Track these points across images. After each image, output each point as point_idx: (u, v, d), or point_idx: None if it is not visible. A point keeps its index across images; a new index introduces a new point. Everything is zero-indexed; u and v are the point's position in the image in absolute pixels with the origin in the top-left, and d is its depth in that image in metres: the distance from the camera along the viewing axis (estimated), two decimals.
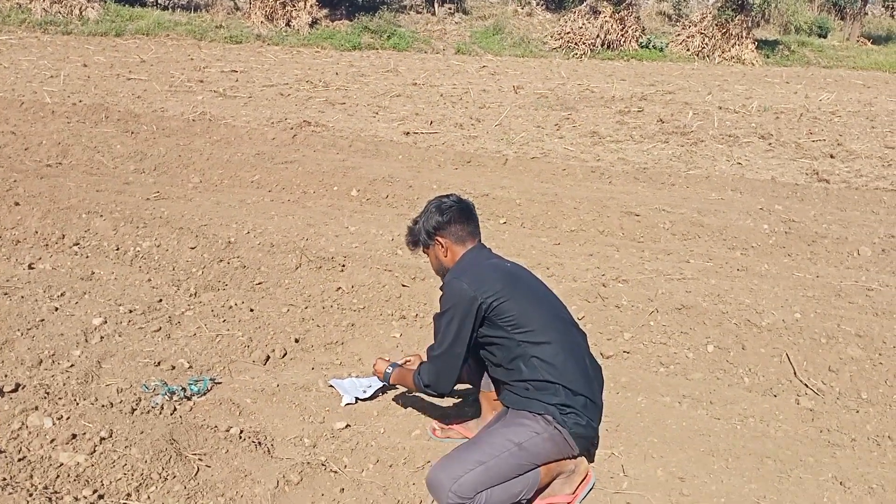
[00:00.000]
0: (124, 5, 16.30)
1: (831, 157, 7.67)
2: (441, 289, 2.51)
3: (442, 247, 2.55)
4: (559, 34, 17.53)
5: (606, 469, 2.55)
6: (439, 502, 2.24)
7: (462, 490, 2.19)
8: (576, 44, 17.19)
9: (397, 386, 2.89)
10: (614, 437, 2.74)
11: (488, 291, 2.37)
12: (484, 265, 2.50)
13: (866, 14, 22.24)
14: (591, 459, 2.51)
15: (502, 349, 2.40)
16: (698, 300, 3.82)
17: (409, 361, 2.79)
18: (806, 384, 3.18)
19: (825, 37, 21.24)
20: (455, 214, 2.54)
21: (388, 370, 2.73)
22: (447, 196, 2.63)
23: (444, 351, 2.42)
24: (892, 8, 24.31)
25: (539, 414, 2.31)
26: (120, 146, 6.47)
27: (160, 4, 17.44)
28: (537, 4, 19.58)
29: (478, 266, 2.48)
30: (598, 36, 17.17)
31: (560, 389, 2.32)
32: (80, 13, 15.42)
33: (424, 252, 2.64)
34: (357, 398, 2.92)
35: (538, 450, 2.30)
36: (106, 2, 16.03)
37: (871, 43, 20.80)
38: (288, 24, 16.55)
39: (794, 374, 3.24)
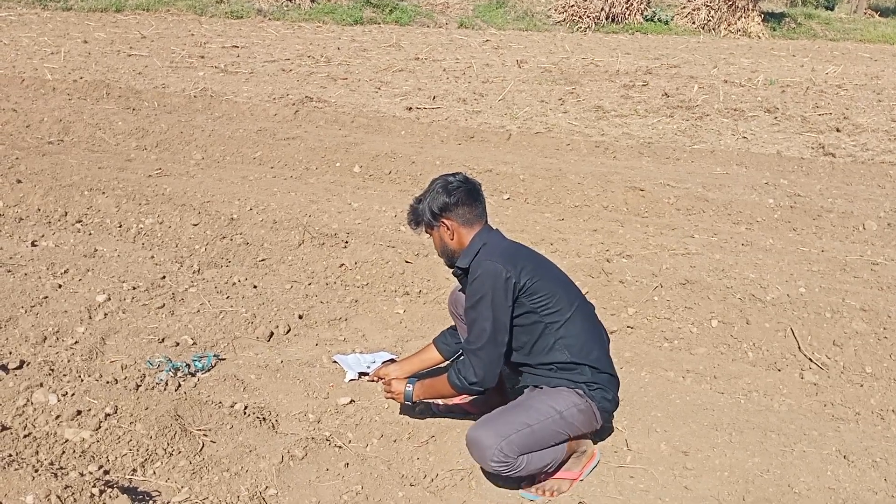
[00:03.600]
0: None
1: (837, 130, 7.61)
2: (459, 275, 2.44)
3: (448, 229, 2.42)
4: (563, 7, 17.35)
5: (610, 443, 2.55)
6: (482, 460, 2.22)
7: (509, 449, 2.19)
8: (580, 17, 17.01)
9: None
10: (618, 411, 2.74)
11: (522, 271, 2.32)
12: (507, 245, 2.43)
13: None
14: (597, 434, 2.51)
15: (527, 331, 2.35)
16: (703, 275, 3.81)
17: (410, 361, 2.66)
18: (810, 358, 3.17)
19: (832, 9, 20.99)
20: (462, 196, 2.41)
21: (408, 389, 2.47)
22: (453, 175, 2.48)
23: (488, 341, 2.31)
24: None
25: (571, 388, 2.32)
26: (121, 123, 6.44)
27: None
28: None
29: (502, 246, 2.40)
30: (602, 9, 16.99)
31: (586, 369, 2.33)
32: None
33: (427, 233, 2.50)
34: (361, 373, 2.92)
35: (574, 420, 2.30)
36: None
37: (879, 15, 20.56)
38: None
39: (799, 348, 3.23)
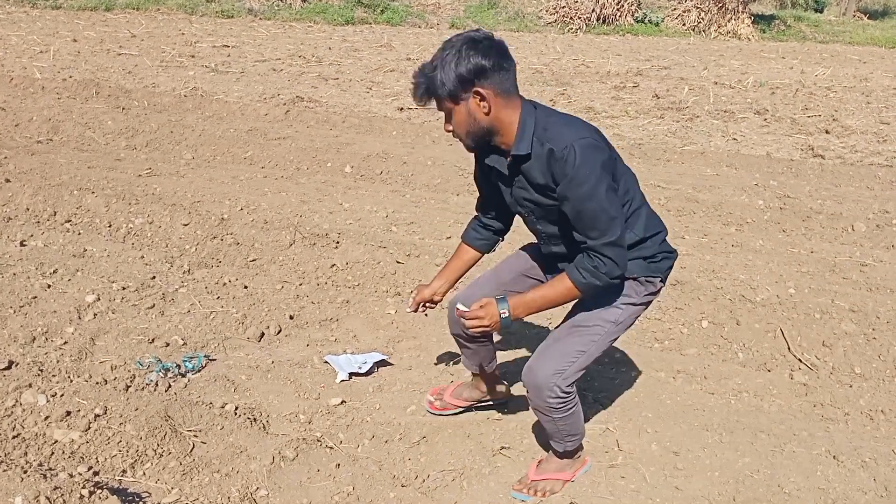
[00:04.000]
0: None
1: (826, 132, 7.65)
2: (512, 165, 2.07)
3: (482, 100, 1.96)
4: (554, 9, 17.38)
5: (601, 444, 2.56)
6: (539, 399, 2.13)
7: (566, 382, 2.11)
8: (571, 18, 17.05)
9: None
10: (609, 412, 2.75)
11: (612, 151, 2.05)
12: (580, 120, 2.08)
13: None
14: None
15: None
16: (693, 276, 3.82)
17: (449, 270, 2.48)
18: (800, 359, 3.19)
19: (821, 11, 21.11)
20: (498, 58, 1.95)
21: (503, 315, 2.07)
22: (476, 31, 2.02)
23: (621, 228, 2.00)
24: None
25: (633, 278, 2.16)
26: (111, 122, 6.41)
27: None
28: None
29: (577, 121, 2.06)
30: (593, 10, 17.03)
31: (651, 242, 2.19)
32: None
33: (446, 108, 2.01)
34: (352, 374, 2.92)
35: (627, 320, 2.20)
36: None
37: (868, 18, 20.70)
38: None
39: (788, 349, 3.25)
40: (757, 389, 2.96)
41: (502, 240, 2.54)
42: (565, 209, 2.02)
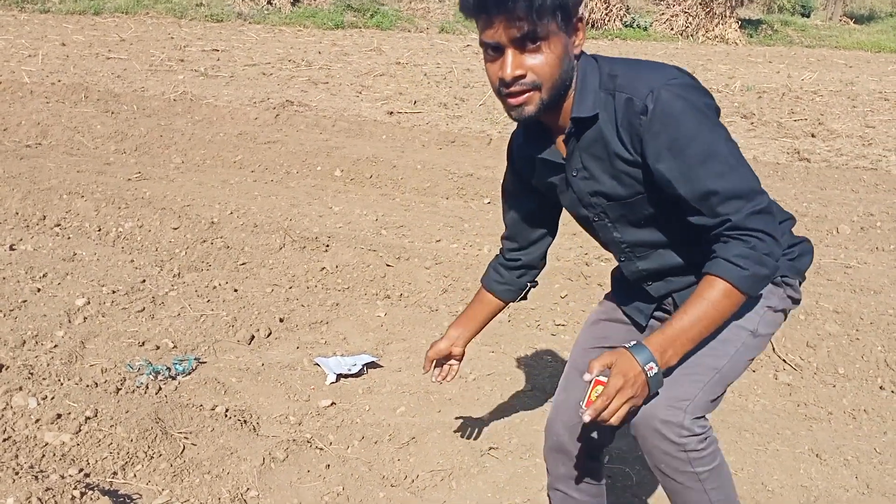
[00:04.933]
0: None
1: (812, 136, 7.73)
2: (573, 133, 1.50)
3: (580, 35, 1.46)
4: None
5: None
6: (663, 447, 1.43)
7: (696, 413, 1.44)
8: None
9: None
10: None
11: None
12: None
13: None
14: None
15: None
16: None
17: (467, 318, 1.94)
18: (784, 360, 3.23)
19: (808, 16, 21.30)
20: None
21: (650, 371, 1.38)
22: None
23: (758, 185, 1.45)
24: None
25: (773, 282, 1.56)
26: (100, 126, 6.41)
27: None
28: None
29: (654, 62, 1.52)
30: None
31: (784, 226, 1.61)
32: None
33: (531, 34, 1.36)
34: (340, 375, 2.94)
35: (769, 327, 1.58)
36: None
37: (854, 22, 20.90)
38: (269, 3, 16.36)
39: (773, 349, 3.29)
40: (742, 389, 3.00)
41: (534, 284, 1.98)
42: (666, 185, 1.41)
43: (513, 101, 1.43)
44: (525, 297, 1.97)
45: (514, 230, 1.87)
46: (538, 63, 1.40)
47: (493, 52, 1.42)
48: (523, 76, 1.40)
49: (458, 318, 2.03)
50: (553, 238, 1.89)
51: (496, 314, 2.00)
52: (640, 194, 1.48)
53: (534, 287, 1.98)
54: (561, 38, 1.40)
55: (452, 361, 2.05)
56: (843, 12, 21.46)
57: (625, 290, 1.72)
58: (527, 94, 1.42)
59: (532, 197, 1.76)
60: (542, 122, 1.54)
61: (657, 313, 1.69)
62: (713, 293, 1.40)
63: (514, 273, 1.92)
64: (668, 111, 1.38)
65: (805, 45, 17.91)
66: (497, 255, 1.96)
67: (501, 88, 1.44)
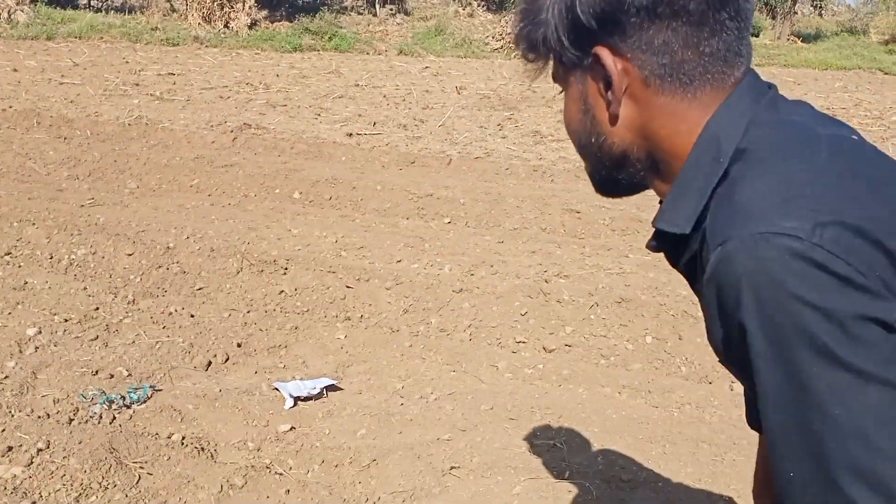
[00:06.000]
0: (56, 8, 15.84)
1: None
2: (655, 248, 0.96)
3: (604, 77, 0.88)
4: (500, 35, 17.68)
5: (549, 459, 2.60)
6: None
7: None
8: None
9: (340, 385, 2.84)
10: (556, 428, 2.80)
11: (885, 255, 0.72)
12: (825, 166, 0.78)
13: (796, 13, 23.00)
14: None
15: None
16: (637, 293, 3.92)
17: None
18: None
19: (757, 35, 21.90)
20: None
21: None
22: None
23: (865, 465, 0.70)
24: (821, 7, 25.21)
25: None
26: (52, 152, 6.30)
27: (93, 7, 17.00)
28: (478, 5, 19.70)
29: (816, 168, 0.78)
30: None
31: None
32: (10, 16, 14.91)
33: (559, 80, 0.96)
34: (297, 398, 2.91)
35: None
36: (36, 4, 15.55)
37: (801, 41, 21.54)
38: (226, 26, 16.30)
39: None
40: (699, 401, 3.04)
41: None
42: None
43: None
44: None
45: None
46: (564, 112, 0.98)
47: None
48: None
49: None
50: None
51: None
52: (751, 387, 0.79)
53: None
54: (573, 83, 0.94)
55: None
56: (791, 31, 22.12)
57: None
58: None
59: None
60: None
61: None
62: None
63: None
64: (736, 299, 0.75)
65: (754, 63, 18.29)
66: None
67: None
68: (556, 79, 0.97)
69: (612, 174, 0.96)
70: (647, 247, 0.98)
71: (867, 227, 0.72)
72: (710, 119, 0.86)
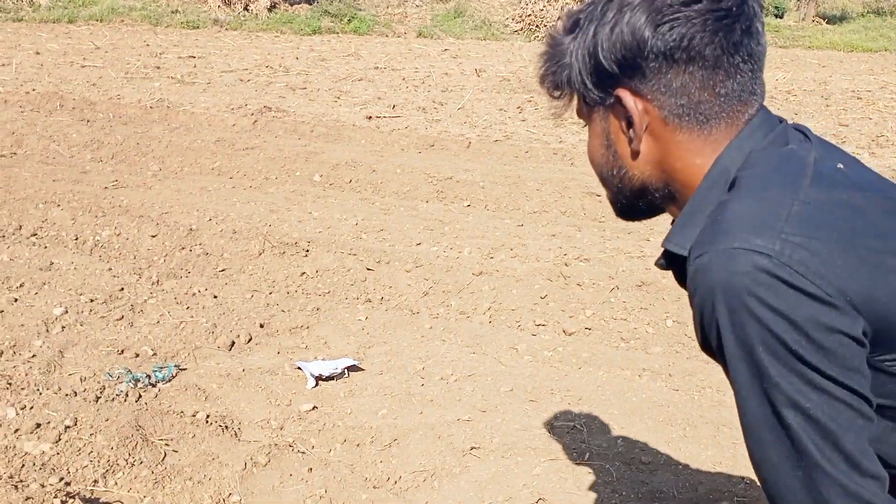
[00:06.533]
0: None
1: None
2: (664, 266, 1.04)
3: (626, 116, 0.97)
4: (520, 17, 17.56)
5: (569, 442, 2.61)
6: None
7: None
8: (537, 26, 17.23)
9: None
10: (576, 410, 2.81)
11: (853, 281, 0.82)
12: (808, 193, 0.86)
13: None
14: None
15: None
16: (658, 277, 3.90)
17: None
18: None
19: (781, 17, 21.57)
20: (705, 30, 0.89)
21: None
22: None
23: (815, 471, 0.84)
24: None
25: None
26: (76, 135, 6.36)
27: None
28: None
29: (797, 199, 0.86)
30: (558, 18, 17.23)
31: None
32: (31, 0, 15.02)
33: (583, 115, 1.04)
34: (322, 377, 2.94)
35: None
36: None
37: (826, 23, 21.18)
38: (246, 9, 16.31)
39: None
40: (719, 385, 3.03)
41: None
42: None
43: None
44: None
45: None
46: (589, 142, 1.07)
47: None
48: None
49: None
50: None
51: None
52: None
53: None
54: (597, 119, 1.02)
55: None
56: (816, 13, 21.75)
57: None
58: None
59: None
60: None
61: None
62: None
63: None
64: (706, 311, 0.85)
65: (779, 45, 18.13)
66: None
67: None
68: (580, 114, 1.05)
69: (632, 202, 1.06)
70: (656, 264, 1.07)
71: (821, 279, 0.80)
72: (721, 153, 0.95)
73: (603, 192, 1.10)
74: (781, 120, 0.98)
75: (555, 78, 1.02)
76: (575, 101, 1.04)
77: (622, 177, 1.02)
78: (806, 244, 0.81)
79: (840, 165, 0.93)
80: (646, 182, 1.01)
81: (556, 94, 1.03)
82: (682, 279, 0.98)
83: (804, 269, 0.80)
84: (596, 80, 0.97)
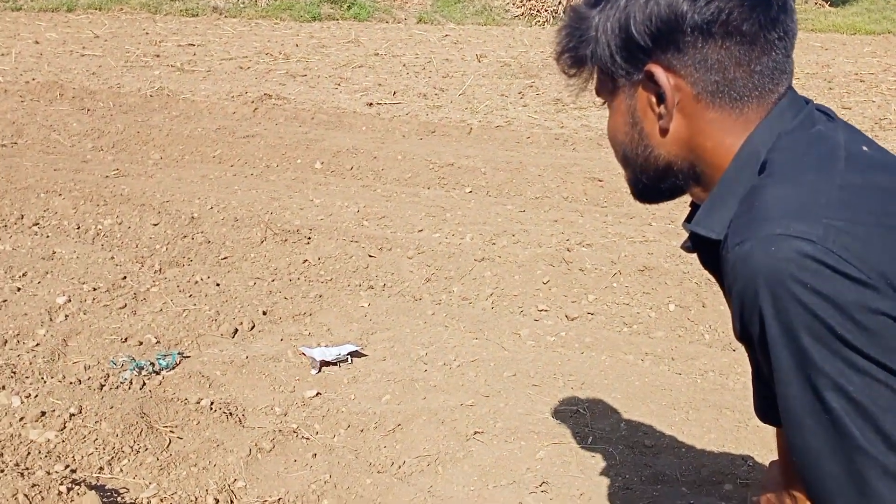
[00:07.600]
0: None
1: None
2: (690, 249, 1.02)
3: (658, 94, 0.94)
4: (521, 2, 17.46)
5: (572, 426, 2.62)
6: None
7: None
8: (538, 11, 17.14)
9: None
10: (579, 395, 2.82)
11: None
12: (839, 179, 0.86)
13: None
14: None
15: None
16: (660, 261, 3.90)
17: None
18: None
19: None
20: (741, 6, 0.88)
21: None
22: None
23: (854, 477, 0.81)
24: None
25: None
26: (76, 124, 6.35)
27: None
28: None
29: (832, 183, 0.85)
30: (560, 3, 17.14)
31: None
32: None
33: (602, 94, 1.03)
34: (322, 363, 2.95)
35: None
36: None
37: (829, 5, 21.06)
38: None
39: None
40: (722, 368, 3.04)
41: None
42: None
43: None
44: None
45: None
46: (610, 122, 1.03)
47: None
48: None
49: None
50: None
51: None
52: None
53: None
54: (621, 97, 0.99)
55: None
56: None
57: None
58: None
59: None
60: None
61: None
62: None
63: None
64: (749, 300, 0.83)
65: None
66: None
67: None
68: (599, 92, 1.02)
69: (655, 183, 1.02)
70: (682, 248, 1.05)
71: (860, 267, 0.79)
72: (751, 133, 0.92)
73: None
74: (808, 101, 0.97)
75: (576, 53, 0.99)
76: (594, 79, 1.01)
77: (647, 156, 0.99)
78: (848, 228, 0.81)
79: (864, 148, 0.92)
80: (671, 162, 0.98)
81: (573, 71, 1.01)
82: (708, 262, 1.00)
83: (848, 253, 0.79)
84: (626, 54, 0.94)
